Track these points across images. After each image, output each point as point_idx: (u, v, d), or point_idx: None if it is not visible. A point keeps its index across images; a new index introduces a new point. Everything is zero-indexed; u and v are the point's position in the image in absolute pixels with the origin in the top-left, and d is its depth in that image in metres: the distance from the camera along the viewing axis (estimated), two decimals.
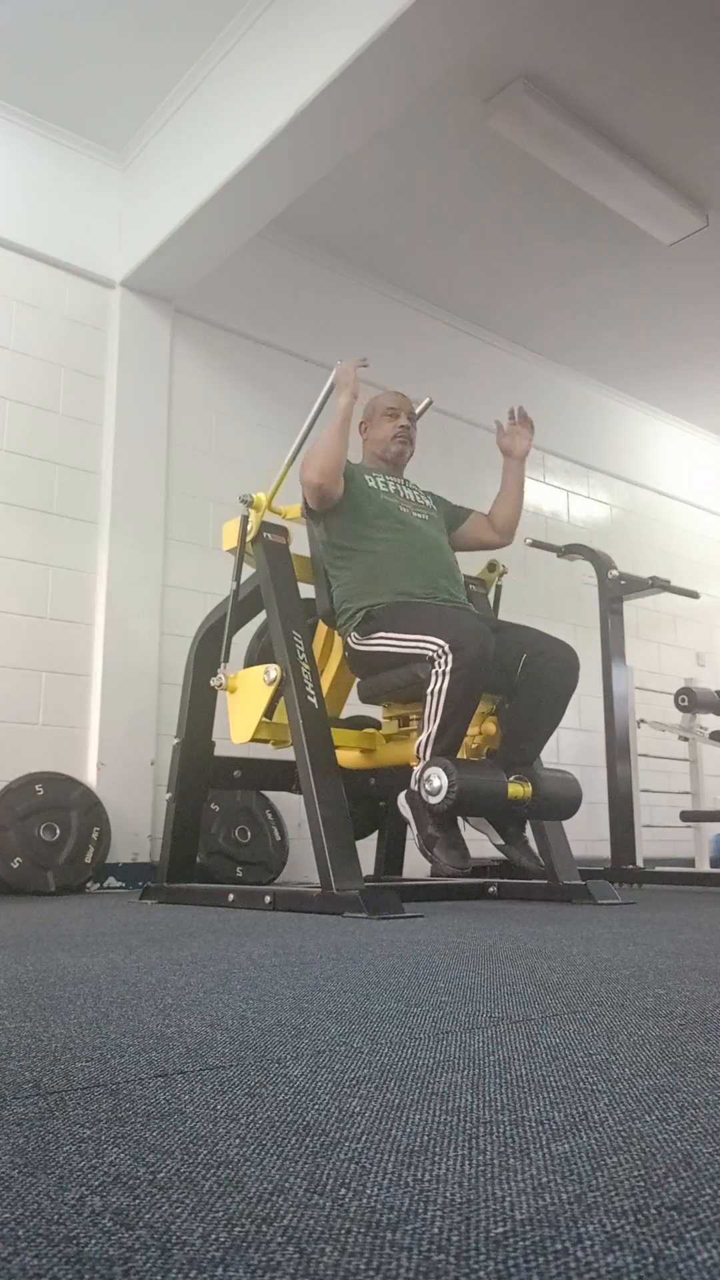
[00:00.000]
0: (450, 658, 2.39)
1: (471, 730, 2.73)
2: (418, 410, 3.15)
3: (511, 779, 2.44)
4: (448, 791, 2.26)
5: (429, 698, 2.42)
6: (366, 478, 2.92)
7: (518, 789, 2.44)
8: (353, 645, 2.72)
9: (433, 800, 2.30)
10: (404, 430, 3.01)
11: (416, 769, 2.41)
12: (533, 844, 2.71)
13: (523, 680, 2.61)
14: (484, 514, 3.12)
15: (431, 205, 4.29)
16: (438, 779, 2.30)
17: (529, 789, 2.46)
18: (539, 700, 2.60)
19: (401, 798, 2.48)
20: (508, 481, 3.10)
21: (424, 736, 2.42)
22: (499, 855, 4.51)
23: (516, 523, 3.11)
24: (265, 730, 2.66)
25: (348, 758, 2.88)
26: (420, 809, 2.40)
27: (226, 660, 2.83)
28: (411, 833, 2.46)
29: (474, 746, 2.81)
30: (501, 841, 2.55)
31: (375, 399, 3.12)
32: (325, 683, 2.97)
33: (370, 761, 2.93)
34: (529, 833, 2.70)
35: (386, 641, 2.59)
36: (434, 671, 2.41)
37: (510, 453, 3.10)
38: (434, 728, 2.39)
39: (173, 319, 4.14)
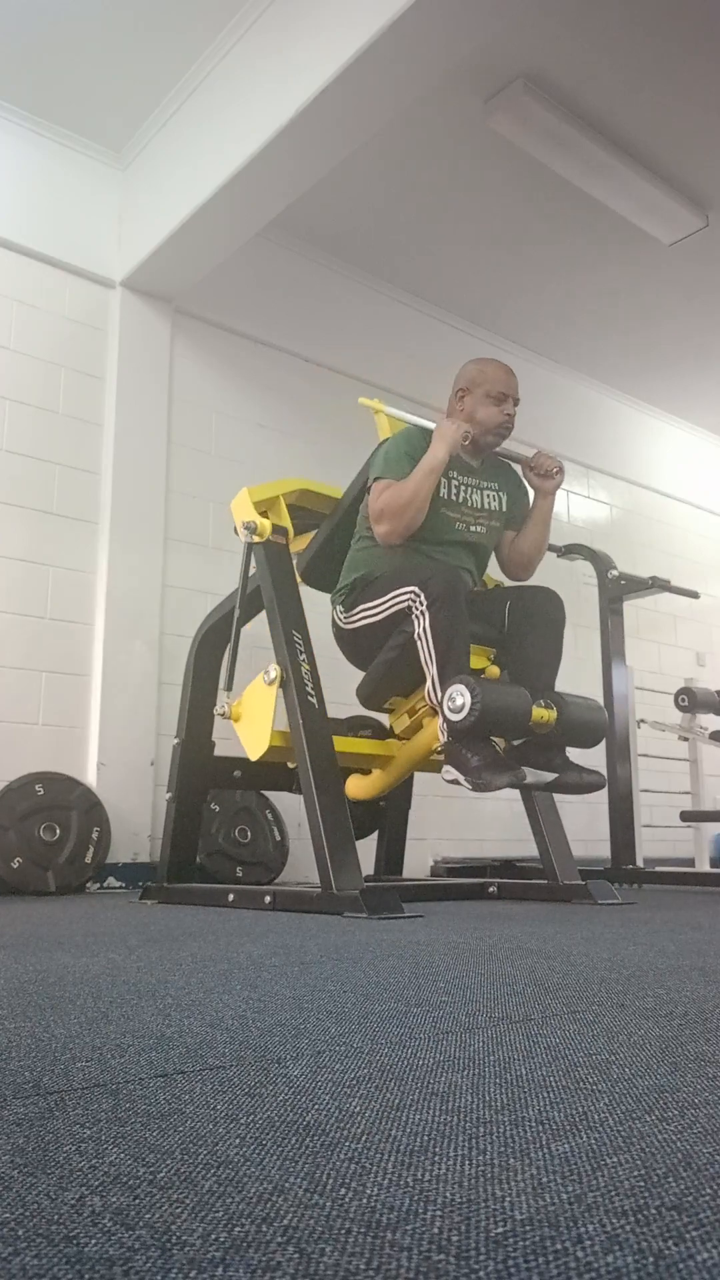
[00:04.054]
0: (423, 595, 2.44)
1: None
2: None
3: (536, 704, 2.39)
4: (471, 706, 2.19)
5: (419, 641, 2.44)
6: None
7: (542, 713, 2.39)
8: (341, 625, 2.75)
9: (455, 718, 2.23)
10: (509, 420, 2.74)
11: (440, 707, 2.31)
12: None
13: (513, 623, 2.68)
14: (512, 536, 2.90)
15: (432, 205, 4.28)
16: (460, 696, 2.23)
17: (554, 714, 2.40)
18: (534, 633, 2.66)
19: (445, 767, 2.39)
20: (536, 513, 2.88)
21: (429, 679, 2.41)
22: (499, 855, 4.51)
23: (534, 561, 2.90)
24: (279, 738, 2.57)
25: (366, 785, 2.80)
26: (459, 756, 2.30)
27: (229, 689, 2.71)
28: (465, 783, 2.30)
29: None
30: (553, 776, 2.44)
31: (482, 368, 2.78)
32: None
33: (392, 776, 2.79)
34: (538, 823, 2.69)
35: (367, 612, 2.63)
36: (414, 616, 2.46)
37: (541, 489, 2.84)
38: (435, 667, 2.40)
39: (173, 319, 4.14)
